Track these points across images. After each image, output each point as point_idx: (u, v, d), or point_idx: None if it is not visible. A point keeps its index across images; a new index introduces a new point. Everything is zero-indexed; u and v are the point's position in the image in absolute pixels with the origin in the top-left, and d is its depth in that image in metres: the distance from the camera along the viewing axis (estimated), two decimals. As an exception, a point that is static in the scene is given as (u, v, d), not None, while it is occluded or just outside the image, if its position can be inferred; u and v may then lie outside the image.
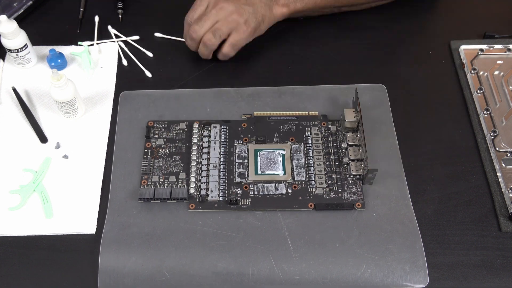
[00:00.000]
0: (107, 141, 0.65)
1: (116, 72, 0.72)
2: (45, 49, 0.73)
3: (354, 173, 0.61)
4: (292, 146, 0.63)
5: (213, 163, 0.62)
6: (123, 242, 0.57)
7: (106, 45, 0.74)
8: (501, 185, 0.61)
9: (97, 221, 0.59)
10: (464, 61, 0.71)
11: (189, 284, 0.55)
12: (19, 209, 0.60)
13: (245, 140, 0.64)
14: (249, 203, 0.59)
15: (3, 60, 0.73)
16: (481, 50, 0.71)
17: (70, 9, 0.79)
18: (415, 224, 0.58)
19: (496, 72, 0.70)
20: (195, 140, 0.64)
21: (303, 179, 0.61)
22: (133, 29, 0.76)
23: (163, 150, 0.63)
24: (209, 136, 0.64)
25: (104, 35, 0.76)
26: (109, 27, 0.76)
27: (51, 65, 0.71)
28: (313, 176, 0.61)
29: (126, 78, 0.71)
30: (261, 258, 0.56)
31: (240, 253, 0.56)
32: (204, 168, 0.62)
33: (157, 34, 0.75)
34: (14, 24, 0.66)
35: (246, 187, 0.60)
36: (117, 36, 0.75)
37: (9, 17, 0.67)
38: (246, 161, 0.62)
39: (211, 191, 0.60)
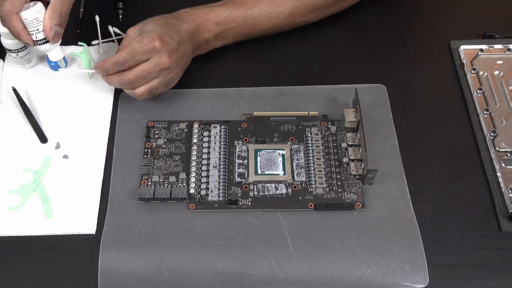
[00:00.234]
0: (107, 141, 0.65)
1: (116, 72, 0.72)
2: (45, 49, 0.73)
3: (354, 173, 0.61)
4: (292, 146, 0.64)
5: (213, 163, 0.62)
6: (123, 242, 0.57)
7: (106, 45, 0.74)
8: (501, 185, 0.61)
9: (97, 221, 0.59)
10: (464, 61, 0.71)
11: (189, 284, 0.55)
12: (19, 209, 0.60)
13: (245, 140, 0.64)
14: (249, 203, 0.59)
15: (3, 60, 0.73)
16: (481, 50, 0.71)
17: (70, 9, 0.79)
18: (415, 224, 0.58)
19: (496, 72, 0.70)
20: (195, 140, 0.64)
21: (303, 179, 0.61)
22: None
23: (163, 150, 0.63)
24: (209, 136, 0.64)
25: (104, 35, 0.76)
26: (110, 27, 0.76)
27: (51, 65, 0.71)
28: (313, 176, 0.61)
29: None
30: (261, 258, 0.56)
31: (240, 253, 0.56)
32: (204, 168, 0.62)
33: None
34: (14, 24, 0.66)
35: (246, 187, 0.60)
36: (117, 35, 0.75)
37: (9, 17, 0.67)
38: (246, 161, 0.62)
39: (211, 191, 0.60)
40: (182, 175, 0.61)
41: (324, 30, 0.76)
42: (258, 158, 0.62)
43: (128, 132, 0.66)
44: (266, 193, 0.60)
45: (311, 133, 0.65)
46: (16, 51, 0.69)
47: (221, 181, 0.61)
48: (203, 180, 0.61)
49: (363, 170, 0.60)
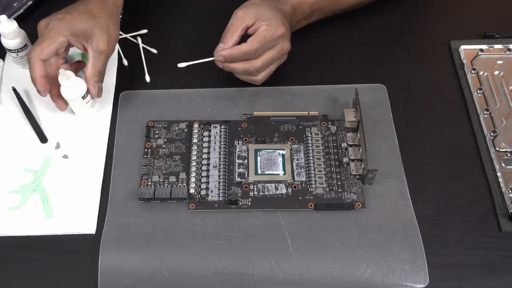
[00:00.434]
0: (107, 141, 0.65)
1: (116, 72, 0.72)
2: (45, 49, 0.73)
3: (354, 173, 0.61)
4: (292, 146, 0.64)
5: (213, 163, 0.62)
6: (123, 242, 0.57)
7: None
8: (501, 185, 0.61)
9: (97, 221, 0.59)
10: (464, 61, 0.71)
11: (189, 284, 0.55)
12: (19, 209, 0.60)
13: (245, 140, 0.64)
14: (249, 203, 0.59)
15: (3, 60, 0.73)
16: (481, 50, 0.71)
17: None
18: (415, 224, 0.58)
19: (496, 72, 0.70)
20: (195, 140, 0.64)
21: (303, 179, 0.61)
22: (133, 29, 0.76)
23: (163, 150, 0.63)
24: (209, 136, 0.64)
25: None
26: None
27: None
28: (313, 176, 0.61)
29: (126, 78, 0.71)
30: (261, 258, 0.56)
31: (240, 253, 0.56)
32: (204, 168, 0.62)
33: (181, 65, 0.66)
34: (14, 24, 0.66)
35: (246, 187, 0.60)
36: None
37: (9, 17, 0.67)
38: (246, 161, 0.62)
39: (211, 191, 0.60)
40: (182, 175, 0.61)
41: (324, 30, 0.76)
42: (258, 158, 0.62)
43: (128, 132, 0.66)
44: (266, 193, 0.60)
45: (311, 133, 0.65)
46: (16, 51, 0.69)
47: (221, 181, 0.61)
48: (203, 180, 0.61)
49: (363, 170, 0.60)
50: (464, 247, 0.57)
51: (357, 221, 0.58)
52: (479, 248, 0.57)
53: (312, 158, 0.62)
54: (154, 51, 0.73)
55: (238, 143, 0.64)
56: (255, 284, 0.55)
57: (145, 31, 0.75)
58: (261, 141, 0.64)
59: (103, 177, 0.62)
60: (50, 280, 0.56)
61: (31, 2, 0.77)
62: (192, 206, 0.59)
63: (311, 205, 0.59)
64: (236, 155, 0.63)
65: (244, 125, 0.66)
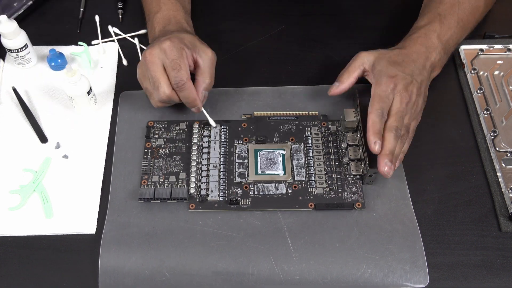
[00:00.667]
0: (107, 141, 0.65)
1: (116, 72, 0.72)
2: (45, 49, 0.73)
3: (354, 173, 0.61)
4: (292, 146, 0.64)
5: (213, 163, 0.62)
6: (123, 242, 0.57)
7: (106, 45, 0.74)
8: (501, 185, 0.61)
9: (97, 221, 0.59)
10: (464, 61, 0.71)
11: (189, 284, 0.55)
12: (19, 209, 0.60)
13: (245, 140, 0.64)
14: (249, 203, 0.59)
15: (3, 60, 0.73)
16: (481, 50, 0.71)
17: (70, 9, 0.79)
18: (415, 224, 0.58)
19: (496, 72, 0.70)
20: (195, 140, 0.64)
21: (303, 179, 0.61)
22: (133, 29, 0.76)
23: (163, 150, 0.63)
24: (209, 136, 0.64)
25: (104, 35, 0.76)
26: (110, 27, 0.76)
27: (51, 65, 0.71)
28: (313, 176, 0.61)
29: (126, 78, 0.71)
30: (261, 258, 0.56)
31: (240, 253, 0.56)
32: (204, 168, 0.62)
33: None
34: (14, 24, 0.66)
35: (246, 187, 0.60)
36: (117, 35, 0.75)
37: (9, 17, 0.67)
38: (246, 161, 0.62)
39: (211, 191, 0.60)
40: (182, 175, 0.61)
41: (324, 30, 0.76)
42: (258, 158, 0.62)
43: (128, 132, 0.66)
44: (266, 193, 0.60)
45: (311, 133, 0.65)
46: (16, 51, 0.69)
47: (221, 181, 0.61)
48: (203, 180, 0.61)
49: (363, 170, 0.60)
50: (464, 247, 0.57)
51: (357, 221, 0.58)
52: (479, 248, 0.57)
53: (312, 158, 0.62)
54: None
55: (238, 143, 0.64)
56: (255, 284, 0.55)
57: (144, 31, 0.75)
58: (261, 141, 0.64)
59: (103, 177, 0.62)
60: (50, 280, 0.56)
61: (31, 2, 0.77)
62: (192, 206, 0.59)
63: (311, 205, 0.59)
64: (236, 155, 0.63)
65: (244, 125, 0.66)
